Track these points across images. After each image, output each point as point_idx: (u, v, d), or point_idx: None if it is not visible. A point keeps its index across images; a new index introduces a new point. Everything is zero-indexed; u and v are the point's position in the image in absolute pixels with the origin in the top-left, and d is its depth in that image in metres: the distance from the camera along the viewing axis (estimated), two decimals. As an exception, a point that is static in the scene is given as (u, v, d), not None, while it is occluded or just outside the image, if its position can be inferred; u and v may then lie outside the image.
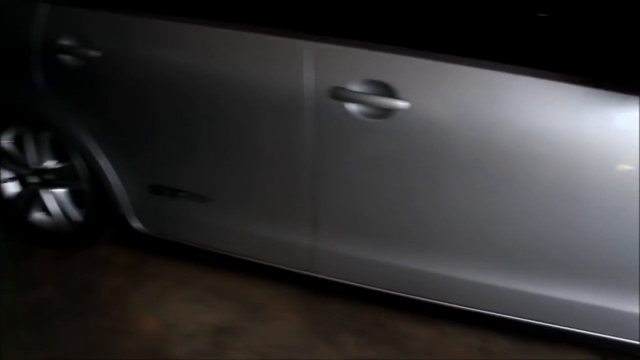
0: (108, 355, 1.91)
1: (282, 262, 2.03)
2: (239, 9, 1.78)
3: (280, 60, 1.70)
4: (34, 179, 2.31)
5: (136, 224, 2.19)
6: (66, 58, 1.96)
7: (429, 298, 1.87)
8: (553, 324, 1.77)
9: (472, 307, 1.83)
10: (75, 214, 2.31)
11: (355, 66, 1.62)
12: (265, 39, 1.71)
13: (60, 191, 2.32)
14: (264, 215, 1.94)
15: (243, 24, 1.74)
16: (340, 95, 1.63)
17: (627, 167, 1.47)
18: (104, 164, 2.09)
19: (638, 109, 1.42)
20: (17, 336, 1.98)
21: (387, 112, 1.60)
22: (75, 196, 2.32)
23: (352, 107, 1.64)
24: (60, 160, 2.25)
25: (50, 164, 2.26)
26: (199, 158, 1.93)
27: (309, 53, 1.65)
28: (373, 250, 1.84)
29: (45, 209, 2.36)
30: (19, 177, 2.38)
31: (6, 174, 2.38)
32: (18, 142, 2.30)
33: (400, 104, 1.57)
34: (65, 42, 1.95)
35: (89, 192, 2.21)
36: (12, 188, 2.41)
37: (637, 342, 1.69)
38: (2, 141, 2.29)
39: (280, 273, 2.05)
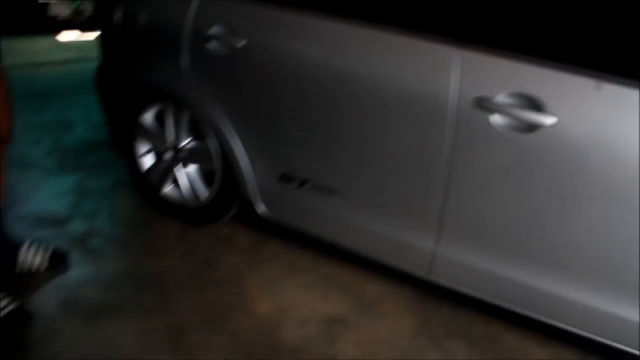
0: (223, 330, 2.00)
1: (400, 262, 2.03)
2: (387, 10, 1.79)
3: (427, 65, 1.69)
4: (169, 155, 2.45)
5: (260, 208, 2.27)
6: (212, 45, 2.06)
7: (548, 318, 1.81)
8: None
9: (597, 336, 1.74)
10: (203, 191, 2.43)
11: (503, 78, 1.59)
12: (413, 42, 1.70)
13: (193, 169, 2.44)
14: (389, 214, 1.94)
15: (390, 26, 1.75)
16: (484, 106, 1.60)
17: None
18: (237, 147, 2.18)
19: None
20: (142, 298, 2.11)
21: (533, 126, 1.55)
22: (206, 175, 2.44)
23: (495, 119, 1.60)
24: (196, 139, 2.37)
25: (186, 141, 2.39)
26: (331, 152, 1.97)
27: (456, 61, 1.63)
28: (495, 263, 1.80)
29: (176, 184, 2.50)
30: (156, 152, 2.54)
31: (145, 149, 2.55)
32: (159, 119, 2.45)
33: (548, 119, 1.52)
34: (212, 31, 2.05)
35: (219, 172, 2.31)
36: (149, 162, 2.57)
37: None
38: (146, 118, 2.45)
39: (397, 272, 2.06)
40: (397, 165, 1.84)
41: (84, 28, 6.46)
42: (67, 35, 6.31)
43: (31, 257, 2.17)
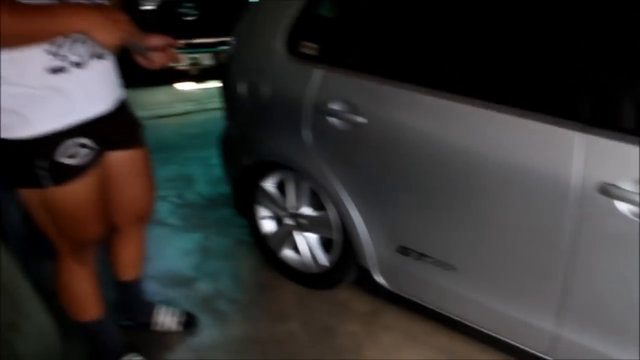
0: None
1: (519, 340, 1.98)
2: (510, 91, 1.79)
3: (550, 147, 1.67)
4: (289, 221, 2.55)
5: (378, 277, 2.30)
6: (333, 120, 2.14)
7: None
8: None
9: None
10: (322, 258, 2.50)
11: (629, 164, 1.54)
12: (535, 123, 1.69)
13: (312, 235, 2.52)
14: (509, 292, 1.91)
15: (513, 107, 1.75)
16: (610, 192, 1.56)
17: None
18: (356, 218, 2.23)
19: None
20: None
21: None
22: (325, 242, 2.51)
23: (621, 206, 1.55)
24: (315, 209, 2.45)
25: (306, 210, 2.48)
26: (449, 228, 1.97)
27: (580, 144, 1.60)
28: (620, 350, 1.72)
29: (295, 248, 2.59)
30: (276, 217, 2.66)
31: (266, 212, 2.67)
32: (280, 186, 2.56)
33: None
34: (333, 106, 2.13)
35: (338, 241, 2.38)
36: (268, 225, 2.69)
37: None
38: (267, 184, 2.57)
39: (515, 349, 2.01)
40: (517, 244, 1.82)
41: (200, 79, 6.85)
42: (185, 86, 6.72)
43: (163, 317, 2.33)
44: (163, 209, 3.40)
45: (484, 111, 1.79)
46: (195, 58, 6.72)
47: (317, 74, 2.19)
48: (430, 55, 2.00)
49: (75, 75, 1.61)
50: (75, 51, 1.60)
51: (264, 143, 2.46)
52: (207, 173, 3.94)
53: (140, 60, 1.78)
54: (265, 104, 2.40)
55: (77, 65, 1.61)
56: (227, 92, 2.66)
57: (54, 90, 1.58)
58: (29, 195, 1.70)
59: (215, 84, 6.67)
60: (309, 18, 2.29)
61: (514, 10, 1.82)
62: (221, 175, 3.04)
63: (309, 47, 2.24)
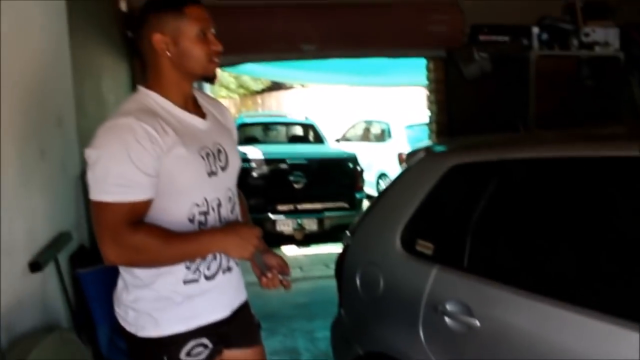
0: None
1: None
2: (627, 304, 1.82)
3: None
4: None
5: None
6: (447, 320, 2.21)
7: None
8: None
9: None
10: None
11: None
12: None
13: None
14: None
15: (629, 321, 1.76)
16: None
17: None
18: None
19: None
20: None
21: None
22: None
23: None
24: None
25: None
26: None
27: None
28: None
29: None
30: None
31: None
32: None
33: None
34: (447, 306, 2.21)
35: None
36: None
37: None
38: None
39: None
40: None
41: (305, 243, 7.17)
42: (290, 251, 7.04)
43: None
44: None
45: (608, 325, 1.77)
46: (300, 223, 7.09)
47: (432, 273, 2.31)
48: (544, 262, 2.09)
49: (204, 285, 1.82)
50: (208, 266, 1.82)
51: (377, 334, 2.56)
52: (313, 347, 3.99)
53: (256, 272, 1.94)
54: (379, 296, 2.53)
55: (207, 278, 1.83)
56: (342, 280, 2.82)
57: (185, 297, 1.79)
58: None
59: (319, 249, 6.98)
60: (425, 217, 2.47)
61: (631, 225, 1.90)
62: (327, 351, 3.11)
63: (425, 246, 2.40)
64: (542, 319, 1.97)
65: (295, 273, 5.90)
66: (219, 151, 1.83)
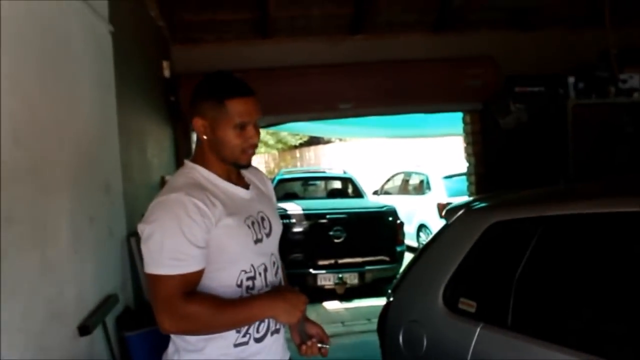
0: None
1: None
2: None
3: None
4: None
5: None
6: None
7: None
8: None
9: None
10: None
11: None
12: None
13: None
14: None
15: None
16: None
17: None
18: None
19: None
20: None
21: None
22: None
23: None
24: None
25: None
26: None
27: None
28: None
29: None
30: None
31: None
32: None
33: None
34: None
35: None
36: None
37: None
38: None
39: None
40: None
41: (346, 298, 7.13)
42: (331, 305, 7.00)
43: None
44: None
45: None
46: (341, 277, 7.07)
47: (476, 332, 2.29)
48: (590, 320, 2.05)
49: (254, 347, 1.85)
50: (257, 328, 1.86)
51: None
52: (356, 405, 3.97)
53: (296, 339, 1.96)
54: (422, 355, 2.51)
55: (257, 340, 1.86)
56: (384, 338, 2.81)
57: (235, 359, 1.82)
58: None
59: (361, 303, 6.92)
60: (467, 274, 2.47)
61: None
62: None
63: (467, 304, 2.38)
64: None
65: (337, 328, 5.89)
66: (263, 219, 1.91)
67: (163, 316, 1.68)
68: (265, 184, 2.10)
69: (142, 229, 1.73)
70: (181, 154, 6.25)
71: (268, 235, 1.92)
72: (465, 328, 2.34)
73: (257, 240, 1.85)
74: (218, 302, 1.73)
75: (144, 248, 1.72)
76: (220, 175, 1.86)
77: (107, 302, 2.78)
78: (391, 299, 2.93)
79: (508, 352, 2.16)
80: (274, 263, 1.95)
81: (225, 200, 1.80)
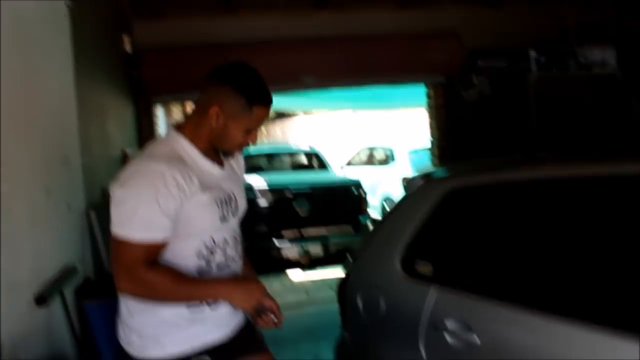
0: None
1: None
2: (615, 315, 1.84)
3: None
4: None
5: None
6: (447, 338, 2.24)
7: None
8: None
9: None
10: None
11: None
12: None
13: None
14: None
15: (619, 330, 1.77)
16: None
17: None
18: None
19: None
20: None
21: None
22: None
23: None
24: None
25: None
26: None
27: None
28: None
29: None
30: None
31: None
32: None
33: None
34: (447, 324, 2.24)
35: None
36: None
37: None
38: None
39: None
40: None
41: (310, 267, 7.20)
42: (296, 276, 7.06)
43: None
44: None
45: (603, 337, 1.80)
46: (306, 249, 7.13)
47: (432, 292, 2.35)
48: (545, 276, 2.12)
49: (208, 312, 1.90)
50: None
51: (379, 354, 2.58)
52: (319, 369, 4.04)
53: (254, 315, 2.00)
54: (381, 318, 2.57)
55: (210, 305, 1.90)
56: (344, 301, 2.86)
57: (188, 321, 1.87)
58: None
59: (325, 273, 7.00)
60: (424, 239, 2.52)
61: (615, 239, 1.95)
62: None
63: (423, 267, 2.44)
64: (538, 333, 2.00)
65: (301, 297, 5.96)
66: (230, 198, 1.94)
67: (123, 277, 1.72)
68: (239, 163, 2.12)
69: (116, 191, 1.74)
70: (143, 128, 6.21)
71: (234, 214, 1.96)
72: (421, 290, 2.39)
73: (223, 219, 1.89)
74: (178, 277, 1.77)
75: (114, 210, 1.73)
76: (200, 149, 1.87)
77: (65, 273, 2.76)
78: (351, 266, 2.97)
79: (463, 311, 2.23)
80: (235, 238, 1.99)
81: (201, 176, 1.83)
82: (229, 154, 1.96)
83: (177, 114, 9.56)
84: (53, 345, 2.57)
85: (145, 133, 6.41)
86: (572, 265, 2.06)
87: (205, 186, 1.82)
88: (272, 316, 1.95)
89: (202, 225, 1.83)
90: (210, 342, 1.93)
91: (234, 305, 1.86)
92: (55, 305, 2.63)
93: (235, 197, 1.96)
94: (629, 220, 1.96)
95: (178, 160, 1.77)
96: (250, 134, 1.86)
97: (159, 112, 7.58)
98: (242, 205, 2.03)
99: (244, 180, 2.17)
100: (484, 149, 5.47)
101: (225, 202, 1.90)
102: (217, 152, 1.94)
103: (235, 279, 1.94)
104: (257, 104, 1.81)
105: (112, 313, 2.14)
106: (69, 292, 2.81)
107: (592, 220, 2.08)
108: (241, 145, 1.89)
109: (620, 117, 5.80)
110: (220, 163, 1.95)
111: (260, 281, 1.93)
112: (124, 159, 5.00)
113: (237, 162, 2.10)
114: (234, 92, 1.79)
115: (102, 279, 3.24)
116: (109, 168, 4.40)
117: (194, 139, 1.85)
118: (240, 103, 1.79)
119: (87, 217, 3.30)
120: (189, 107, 10.75)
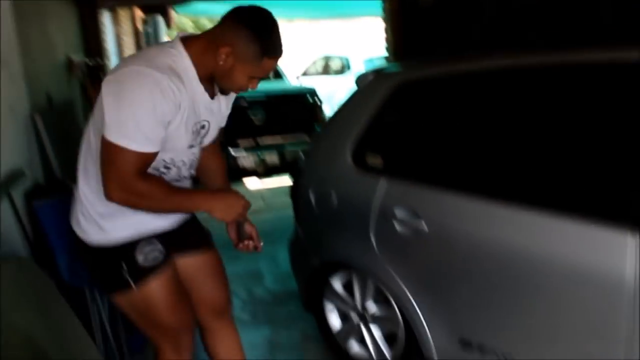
0: None
1: None
2: (565, 198, 1.93)
3: (603, 249, 1.79)
4: (355, 316, 2.70)
5: (442, 371, 2.39)
6: (397, 226, 2.33)
7: None
8: None
9: None
10: (386, 352, 2.62)
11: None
12: (589, 227, 1.81)
13: (377, 330, 2.66)
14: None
15: (568, 213, 1.87)
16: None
17: None
18: (419, 314, 2.36)
19: None
20: None
21: None
22: (388, 336, 2.64)
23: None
24: (380, 304, 2.60)
25: (372, 306, 2.63)
26: (509, 324, 2.08)
27: (632, 245, 1.72)
28: None
29: (360, 342, 2.73)
30: (342, 313, 2.82)
31: (332, 307, 2.84)
32: (348, 283, 2.74)
33: None
34: (397, 213, 2.33)
35: (402, 336, 2.50)
36: (335, 321, 2.85)
37: None
38: (335, 282, 2.75)
39: None
40: (572, 337, 1.91)
41: (267, 176, 7.25)
42: (253, 184, 7.11)
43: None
44: (234, 305, 3.60)
45: (540, 218, 1.93)
46: (262, 158, 7.15)
47: (382, 184, 2.42)
48: (488, 164, 2.20)
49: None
50: None
51: (332, 245, 2.67)
52: (275, 269, 4.17)
53: (232, 235, 2.10)
54: (333, 210, 2.63)
55: None
56: (297, 198, 2.91)
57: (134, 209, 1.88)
58: (119, 300, 2.01)
59: (281, 182, 7.07)
60: (374, 132, 2.55)
61: (574, 125, 2.00)
62: (288, 271, 3.24)
63: (374, 159, 2.49)
64: (482, 218, 2.10)
65: (257, 204, 6.03)
66: (204, 127, 1.95)
67: (114, 185, 1.73)
68: (229, 100, 2.08)
69: (113, 85, 1.72)
70: (89, 35, 5.97)
71: (201, 143, 1.99)
72: (371, 181, 2.46)
73: (191, 146, 1.92)
74: (168, 187, 1.82)
75: (110, 113, 1.69)
76: (199, 74, 1.83)
77: (12, 176, 2.71)
78: (303, 163, 3.01)
79: (411, 200, 2.31)
80: (193, 161, 2.02)
81: (190, 102, 1.81)
82: (225, 92, 1.95)
83: (125, 22, 9.15)
84: (4, 246, 2.56)
85: (91, 40, 6.17)
86: (514, 153, 2.13)
87: (189, 112, 1.82)
88: (251, 243, 2.05)
89: (172, 147, 1.84)
90: (157, 228, 1.98)
91: (215, 216, 1.88)
92: (4, 208, 2.61)
93: (208, 129, 1.97)
94: (571, 107, 2.02)
95: (178, 78, 1.75)
96: (253, 79, 1.84)
97: (106, 20, 7.28)
98: (212, 137, 2.05)
99: (226, 117, 2.14)
100: (441, 54, 5.44)
101: (198, 132, 1.92)
102: (212, 82, 1.91)
103: (219, 192, 2.02)
104: (269, 56, 1.79)
105: (63, 211, 2.14)
106: (18, 196, 2.77)
107: (535, 109, 2.13)
108: (240, 89, 1.87)
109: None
110: (212, 94, 1.93)
111: (243, 197, 1.96)
112: (70, 66, 4.84)
113: (228, 98, 2.07)
114: (251, 39, 1.75)
115: (52, 184, 3.20)
116: (54, 74, 4.25)
117: (196, 63, 1.82)
118: (253, 50, 1.76)
119: (33, 121, 3.21)
120: (138, 14, 10.35)
